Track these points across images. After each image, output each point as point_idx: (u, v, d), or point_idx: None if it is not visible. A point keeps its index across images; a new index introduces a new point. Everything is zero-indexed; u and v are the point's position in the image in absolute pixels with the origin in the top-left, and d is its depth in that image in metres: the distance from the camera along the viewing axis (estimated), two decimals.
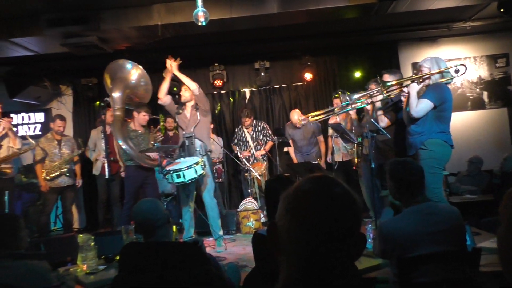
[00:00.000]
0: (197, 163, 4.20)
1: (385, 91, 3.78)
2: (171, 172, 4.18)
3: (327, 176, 0.91)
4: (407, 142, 3.67)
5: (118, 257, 2.93)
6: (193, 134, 4.56)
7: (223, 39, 6.22)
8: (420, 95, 3.61)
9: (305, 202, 0.84)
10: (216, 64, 6.97)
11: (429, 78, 3.61)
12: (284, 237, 0.85)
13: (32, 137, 5.62)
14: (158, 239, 2.10)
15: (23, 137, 5.62)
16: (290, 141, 6.14)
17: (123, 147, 4.82)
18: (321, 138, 6.19)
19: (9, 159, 5.07)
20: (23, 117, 7.13)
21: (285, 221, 0.85)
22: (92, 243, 3.01)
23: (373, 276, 2.48)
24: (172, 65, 4.80)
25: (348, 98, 3.91)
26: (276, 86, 7.14)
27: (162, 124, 7.20)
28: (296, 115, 5.99)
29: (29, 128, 7.12)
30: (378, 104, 4.15)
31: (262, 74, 6.89)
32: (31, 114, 7.18)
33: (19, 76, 6.55)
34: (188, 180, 4.20)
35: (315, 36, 6.38)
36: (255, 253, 2.29)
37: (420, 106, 3.49)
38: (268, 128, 6.46)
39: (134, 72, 5.05)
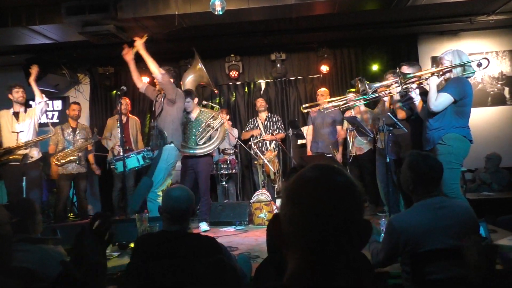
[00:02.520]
0: (139, 152, 4.22)
1: (404, 83, 3.70)
2: (114, 161, 4.26)
3: (329, 165, 0.90)
4: (424, 137, 3.61)
5: (132, 244, 2.98)
6: (156, 124, 4.45)
7: (239, 30, 6.19)
8: (440, 89, 3.54)
9: (306, 190, 0.83)
10: (232, 55, 6.95)
11: (450, 71, 3.54)
12: (286, 226, 0.84)
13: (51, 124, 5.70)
14: (177, 228, 2.10)
15: (45, 124, 5.72)
16: (311, 127, 6.05)
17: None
18: (340, 128, 6.03)
19: (27, 146, 5.10)
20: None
21: (288, 212, 0.84)
22: None
23: (386, 270, 2.46)
24: (137, 43, 4.48)
25: (367, 87, 3.85)
26: (292, 78, 7.09)
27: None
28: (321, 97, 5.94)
29: (47, 115, 7.23)
30: (396, 97, 4.08)
31: (278, 65, 6.84)
32: (49, 102, 7.28)
33: (38, 64, 6.63)
34: (128, 170, 4.19)
35: (333, 28, 6.30)
36: (268, 243, 2.29)
37: (439, 100, 3.42)
38: (282, 122, 6.44)
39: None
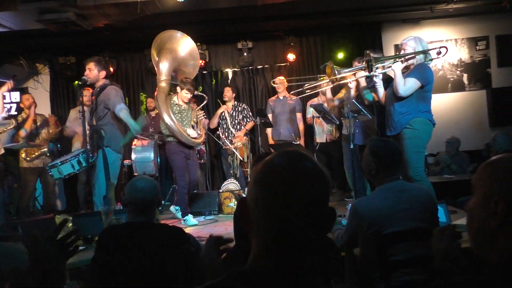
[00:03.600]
0: (74, 157, 3.98)
1: (380, 67, 3.71)
2: (49, 167, 4.03)
3: (297, 150, 0.91)
4: (389, 122, 3.68)
5: (97, 238, 2.91)
6: (92, 123, 4.18)
7: (205, 18, 6.11)
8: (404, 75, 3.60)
9: (274, 174, 0.84)
10: (198, 44, 6.81)
11: (413, 57, 3.61)
12: (252, 209, 0.85)
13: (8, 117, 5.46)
14: (144, 220, 2.06)
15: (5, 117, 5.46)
16: (270, 116, 6.07)
17: (166, 121, 4.68)
18: (300, 116, 6.15)
19: None
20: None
21: (253, 193, 0.85)
22: (70, 224, 2.97)
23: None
24: None
25: (336, 72, 3.89)
26: (259, 67, 7.07)
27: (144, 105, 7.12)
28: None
29: (4, 107, 6.92)
30: (363, 83, 4.14)
31: (245, 54, 6.80)
32: (6, 94, 6.96)
33: None
34: (65, 176, 3.99)
35: (299, 16, 6.32)
36: (236, 231, 2.30)
37: (408, 85, 3.48)
38: (249, 110, 6.43)
39: (184, 45, 5.00)
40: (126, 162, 5.84)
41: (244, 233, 2.04)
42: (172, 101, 4.94)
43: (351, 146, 3.73)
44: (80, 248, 2.86)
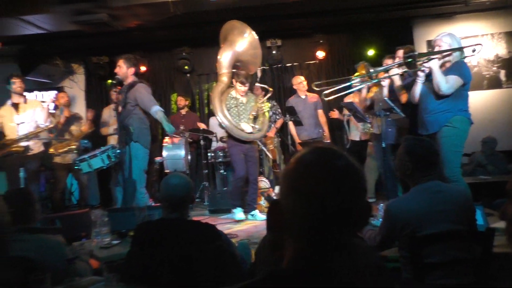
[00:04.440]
0: (104, 151, 4.07)
1: (419, 63, 3.59)
2: (77, 161, 4.09)
3: (329, 147, 0.89)
4: (426, 120, 3.57)
5: (131, 233, 2.99)
6: (120, 119, 4.22)
7: (234, 16, 6.13)
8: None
9: (307, 175, 0.82)
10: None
11: (450, 54, 3.51)
12: (288, 213, 0.83)
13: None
14: (177, 216, 2.10)
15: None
16: None
17: (219, 120, 4.72)
18: (321, 112, 6.13)
19: (28, 138, 4.99)
20: (36, 96, 7.19)
21: (287, 196, 0.84)
22: (106, 219, 3.06)
23: (384, 254, 2.47)
24: None
25: (372, 71, 3.83)
26: (288, 65, 7.06)
27: (173, 102, 7.23)
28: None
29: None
30: (398, 81, 4.05)
31: (274, 52, 6.80)
32: (44, 93, 7.23)
33: (31, 55, 6.58)
34: (95, 170, 4.08)
35: (328, 13, 6.26)
36: (268, 224, 2.30)
37: (451, 83, 3.38)
38: (278, 107, 6.42)
39: (245, 35, 4.86)
40: (158, 159, 5.95)
41: (275, 225, 2.04)
42: (229, 95, 4.85)
43: (383, 145, 3.66)
44: (115, 242, 2.94)
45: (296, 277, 0.80)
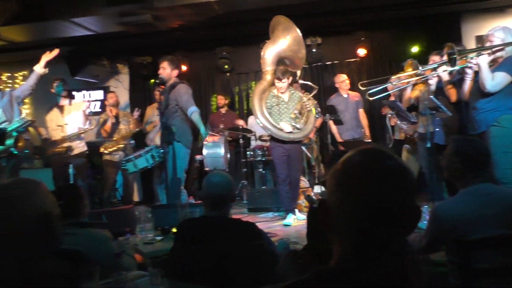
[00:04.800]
0: (148, 151, 4.11)
1: (461, 61, 3.45)
2: (124, 162, 4.17)
3: (377, 148, 0.87)
4: (474, 119, 3.43)
5: (174, 229, 3.06)
6: (163, 119, 4.26)
7: (274, 15, 6.12)
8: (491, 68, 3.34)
9: (355, 175, 0.82)
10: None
11: (502, 49, 3.33)
12: (336, 214, 0.83)
13: (93, 114, 5.88)
14: (218, 214, 2.13)
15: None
16: None
17: (257, 120, 4.63)
18: (362, 111, 6.04)
19: (71, 138, 5.19)
20: (84, 95, 7.51)
21: (336, 198, 0.83)
22: (150, 215, 3.15)
23: (429, 258, 2.39)
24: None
25: (420, 68, 3.69)
26: (328, 63, 6.97)
27: (213, 101, 7.31)
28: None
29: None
30: (445, 78, 3.89)
31: (314, 50, 6.72)
32: (91, 92, 7.54)
33: (79, 55, 6.88)
34: (140, 169, 4.12)
35: (369, 9, 6.11)
36: (309, 229, 2.27)
37: (497, 80, 3.22)
38: (318, 106, 6.35)
39: (290, 33, 4.70)
40: (198, 157, 6.05)
41: (317, 232, 2.02)
42: (270, 93, 4.70)
43: (428, 145, 3.53)
44: (158, 238, 3.02)
45: (343, 277, 0.80)
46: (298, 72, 6.05)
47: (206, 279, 1.98)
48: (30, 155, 5.16)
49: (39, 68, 4.55)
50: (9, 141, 4.27)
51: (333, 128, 6.02)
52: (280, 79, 4.58)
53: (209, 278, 2.00)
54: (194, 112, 4.25)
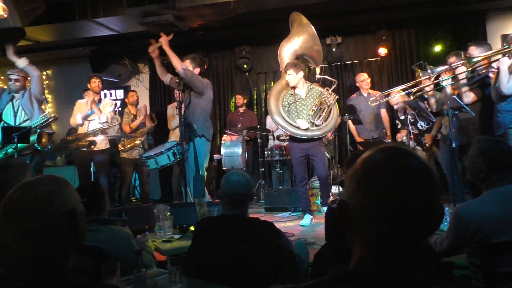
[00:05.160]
0: (169, 149, 4.11)
1: (470, 67, 3.46)
2: (145, 158, 4.19)
3: (399, 147, 0.84)
4: (495, 121, 3.39)
5: (192, 227, 3.08)
6: (184, 117, 4.28)
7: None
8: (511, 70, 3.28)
9: (377, 175, 0.79)
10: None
11: None
12: (357, 216, 0.81)
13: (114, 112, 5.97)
14: (237, 213, 2.13)
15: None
16: None
17: (273, 121, 4.61)
18: (385, 111, 5.95)
19: (95, 134, 5.29)
20: (105, 94, 7.64)
21: (358, 199, 0.80)
22: (168, 213, 3.18)
23: (450, 260, 2.35)
24: (162, 39, 4.48)
25: (429, 72, 3.64)
26: (348, 62, 6.91)
27: (232, 101, 7.33)
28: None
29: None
30: (463, 80, 3.83)
31: (334, 49, 6.68)
32: (113, 91, 7.67)
33: (102, 55, 7.00)
34: (161, 167, 4.15)
35: (391, 8, 6.03)
36: (328, 229, 2.26)
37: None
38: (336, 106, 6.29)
39: (304, 29, 4.66)
40: (216, 156, 6.08)
41: (336, 233, 2.01)
42: (288, 92, 4.59)
43: (453, 146, 3.47)
44: (176, 236, 3.05)
45: (363, 280, 0.78)
46: (317, 70, 6.01)
47: (224, 277, 1.99)
48: (56, 148, 5.30)
49: (20, 63, 4.62)
50: (33, 138, 4.38)
51: (352, 127, 5.97)
52: (286, 72, 4.46)
53: (227, 277, 2.01)
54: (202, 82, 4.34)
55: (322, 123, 4.44)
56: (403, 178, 0.78)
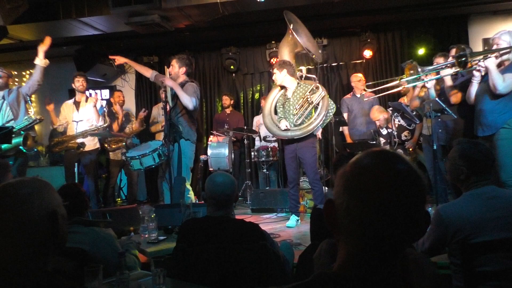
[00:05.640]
0: (154, 150, 4.07)
1: (470, 63, 3.43)
2: (129, 158, 4.12)
3: (387, 150, 0.85)
4: (482, 122, 3.43)
5: (176, 229, 3.07)
6: (169, 117, 4.22)
7: (280, 17, 6.12)
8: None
9: (365, 178, 0.79)
10: (273, 42, 6.90)
11: (509, 52, 3.33)
12: (342, 216, 0.81)
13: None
14: (222, 214, 2.13)
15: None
16: (346, 115, 5.94)
17: (264, 124, 4.62)
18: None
19: (84, 135, 5.17)
20: (90, 94, 7.53)
21: (343, 200, 0.81)
22: (153, 215, 3.16)
23: (433, 261, 2.39)
24: (119, 59, 4.65)
25: (420, 70, 3.67)
26: (333, 64, 6.97)
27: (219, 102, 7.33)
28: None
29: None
30: (448, 81, 3.89)
31: (319, 51, 6.72)
32: (98, 91, 7.58)
33: (87, 54, 6.92)
34: (145, 168, 4.09)
35: (376, 11, 6.10)
36: (312, 229, 2.27)
37: (508, 82, 3.23)
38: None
39: (292, 26, 4.59)
40: (202, 157, 6.07)
41: (321, 234, 2.03)
42: (280, 92, 4.56)
43: (435, 147, 3.52)
44: (161, 238, 3.03)
45: (345, 282, 0.78)
46: (304, 69, 5.98)
47: (209, 279, 1.99)
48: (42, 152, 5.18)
49: (39, 60, 4.56)
50: (18, 139, 4.31)
51: (346, 132, 6.01)
52: (272, 68, 4.53)
53: (212, 278, 2.01)
54: (190, 102, 4.20)
55: (304, 123, 4.33)
56: (390, 182, 0.78)
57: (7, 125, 4.42)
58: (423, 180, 0.81)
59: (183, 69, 4.41)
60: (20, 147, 4.37)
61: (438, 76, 3.89)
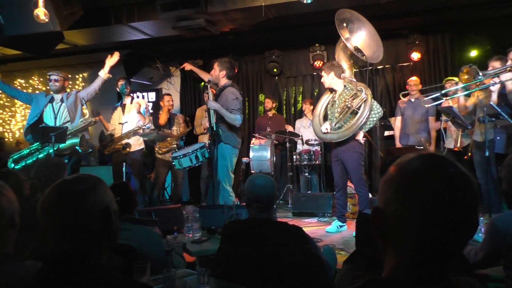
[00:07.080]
0: (193, 152, 4.19)
1: None
2: (172, 158, 4.32)
3: (436, 154, 0.83)
4: None
5: (220, 230, 3.10)
6: (212, 122, 4.26)
7: (324, 19, 6.07)
8: None
9: (419, 184, 0.77)
10: (317, 45, 6.85)
11: None
12: (395, 223, 0.79)
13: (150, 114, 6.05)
14: (265, 216, 2.13)
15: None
16: (399, 118, 5.73)
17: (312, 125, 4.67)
18: (433, 119, 5.57)
19: (128, 136, 5.33)
20: (137, 96, 7.81)
21: (396, 206, 0.79)
22: (197, 215, 3.21)
23: (485, 273, 2.27)
24: (187, 66, 5.11)
25: (481, 75, 3.50)
26: (379, 67, 6.80)
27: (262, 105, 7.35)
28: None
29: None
30: (510, 85, 3.68)
31: (381, 50, 6.56)
32: (145, 94, 7.84)
33: (135, 58, 7.17)
34: (184, 168, 4.30)
35: (426, 12, 5.90)
36: (358, 235, 2.23)
37: None
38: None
39: (359, 23, 4.42)
40: (244, 159, 6.11)
41: (367, 240, 1.97)
42: (331, 96, 4.52)
43: (486, 154, 3.35)
44: (205, 238, 3.08)
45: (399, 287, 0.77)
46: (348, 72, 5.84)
47: (251, 280, 1.99)
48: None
49: (104, 74, 4.87)
50: (75, 140, 4.56)
51: (396, 132, 5.83)
52: (321, 71, 4.51)
53: (255, 280, 2.01)
54: (235, 120, 4.23)
55: (342, 127, 4.26)
56: (444, 186, 0.76)
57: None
58: (474, 182, 0.79)
59: (223, 72, 4.44)
60: (77, 147, 4.60)
61: (502, 81, 3.68)
